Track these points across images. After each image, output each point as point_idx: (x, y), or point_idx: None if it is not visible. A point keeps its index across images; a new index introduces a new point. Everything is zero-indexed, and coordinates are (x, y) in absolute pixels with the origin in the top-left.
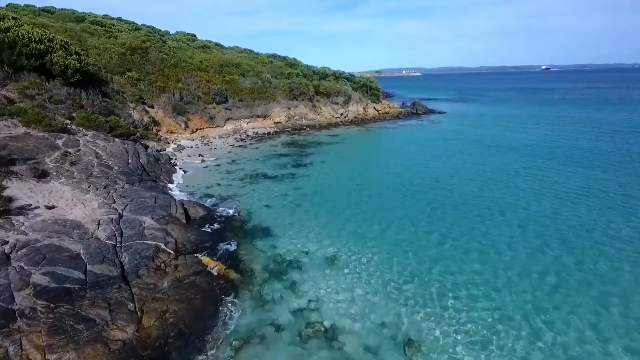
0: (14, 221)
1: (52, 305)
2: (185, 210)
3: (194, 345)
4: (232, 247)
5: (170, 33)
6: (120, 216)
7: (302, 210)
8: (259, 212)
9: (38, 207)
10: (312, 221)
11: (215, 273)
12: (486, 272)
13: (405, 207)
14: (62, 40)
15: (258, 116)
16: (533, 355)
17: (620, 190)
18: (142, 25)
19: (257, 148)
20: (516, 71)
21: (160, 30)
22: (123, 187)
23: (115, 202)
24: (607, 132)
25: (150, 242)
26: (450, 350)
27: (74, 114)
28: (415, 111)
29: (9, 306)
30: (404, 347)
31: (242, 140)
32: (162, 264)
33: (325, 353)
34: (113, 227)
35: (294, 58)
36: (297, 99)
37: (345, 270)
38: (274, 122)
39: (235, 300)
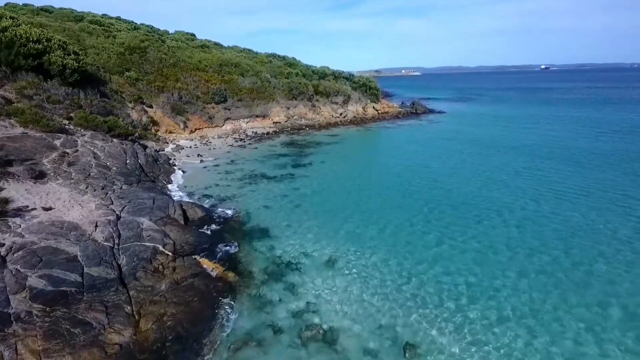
0: (10, 223)
1: (48, 308)
2: (184, 211)
3: (191, 349)
4: (231, 249)
5: (169, 32)
6: (118, 217)
7: (301, 210)
8: (257, 212)
9: (35, 209)
10: (311, 222)
11: (213, 275)
12: (485, 272)
13: (404, 207)
14: (60, 40)
15: (257, 116)
16: (531, 356)
17: (619, 191)
18: (141, 24)
19: (256, 148)
20: (516, 70)
21: (159, 29)
22: (121, 188)
23: (113, 203)
24: (607, 132)
25: (148, 244)
26: (450, 352)
27: (72, 114)
28: (414, 111)
29: (5, 310)
30: (404, 349)
31: (241, 140)
32: (160, 266)
33: (324, 356)
34: (111, 229)
35: (293, 57)
36: (296, 99)
37: (344, 272)
38: (273, 122)
39: (234, 303)
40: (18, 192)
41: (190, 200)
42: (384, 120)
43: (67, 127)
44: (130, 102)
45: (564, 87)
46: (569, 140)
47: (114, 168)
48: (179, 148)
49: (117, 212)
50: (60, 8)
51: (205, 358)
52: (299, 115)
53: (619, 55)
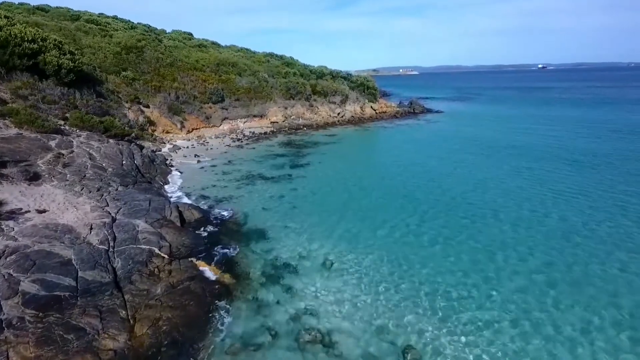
0: (3, 226)
1: (41, 314)
2: (180, 213)
3: (187, 354)
4: (228, 251)
5: (167, 32)
6: (114, 220)
7: (299, 212)
8: (255, 214)
9: (29, 211)
10: (308, 223)
11: (210, 278)
12: (482, 273)
13: (402, 208)
14: (55, 40)
15: (255, 116)
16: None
17: (617, 191)
18: (138, 23)
19: (253, 148)
20: (513, 70)
21: (156, 29)
22: (117, 189)
23: (108, 205)
24: (605, 132)
25: (143, 247)
26: (450, 354)
27: (67, 115)
28: (412, 110)
29: None
30: (404, 353)
31: (238, 140)
32: (156, 269)
33: None
34: (106, 232)
35: (290, 57)
36: (294, 99)
37: (342, 274)
38: (271, 122)
39: (231, 306)
40: (12, 194)
41: (187, 202)
42: (381, 120)
43: (62, 127)
44: (127, 102)
45: (561, 87)
46: (567, 140)
47: (110, 169)
48: (175, 148)
49: (113, 214)
50: (57, 7)
51: None
52: (297, 115)
53: (616, 54)
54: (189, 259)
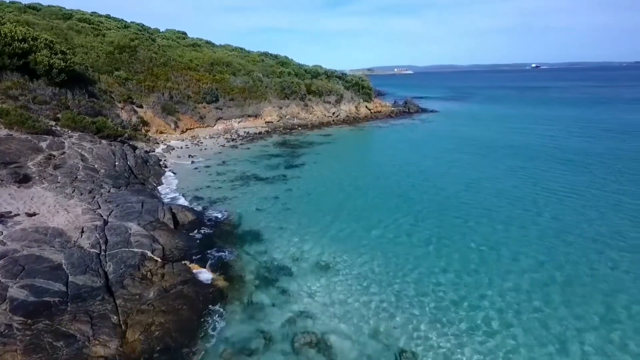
0: None
1: (29, 321)
2: (174, 214)
3: None
4: (222, 254)
5: (160, 31)
6: (105, 222)
7: (294, 213)
8: (249, 215)
9: (18, 215)
10: (303, 224)
11: (203, 281)
12: (483, 274)
13: (396, 208)
14: (46, 39)
15: (249, 116)
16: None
17: (610, 191)
18: (131, 22)
19: (248, 148)
20: (507, 69)
21: (149, 28)
22: (109, 191)
23: (100, 208)
24: (598, 131)
25: (136, 250)
26: (443, 356)
27: (59, 115)
28: (407, 110)
29: None
30: (399, 356)
31: (233, 140)
32: (149, 273)
33: None
34: (97, 235)
35: (285, 56)
36: (288, 98)
37: (338, 276)
38: (266, 122)
39: (225, 310)
40: (1, 197)
41: (181, 203)
42: (376, 120)
43: (53, 128)
44: (120, 102)
45: (556, 86)
46: (562, 140)
47: (102, 170)
48: (169, 149)
49: (105, 217)
50: (49, 5)
51: None
52: (292, 115)
53: (608, 54)
54: (183, 262)
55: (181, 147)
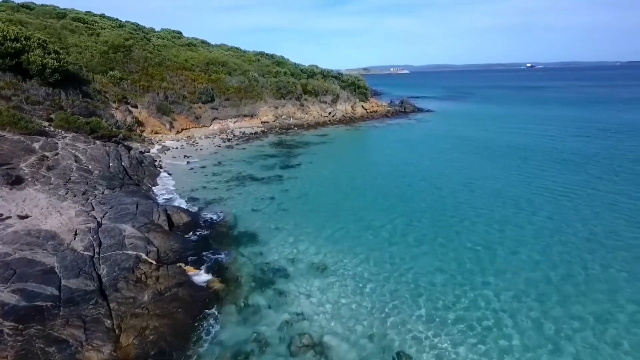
0: None
1: (21, 326)
2: (168, 216)
3: None
4: (217, 255)
5: (156, 30)
6: (99, 225)
7: (290, 214)
8: (245, 216)
9: (10, 217)
10: (299, 226)
11: (199, 284)
12: (479, 274)
13: (392, 208)
14: (39, 39)
15: (245, 115)
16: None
17: (604, 191)
18: (126, 22)
19: (244, 149)
20: (503, 69)
21: (144, 27)
22: (103, 192)
23: (94, 210)
24: (593, 131)
25: (130, 252)
26: (442, 357)
27: (52, 116)
28: (403, 110)
29: None
30: (396, 357)
31: (228, 140)
32: (143, 276)
33: None
34: (91, 237)
35: (281, 56)
36: (284, 98)
37: (334, 278)
38: (262, 122)
39: (220, 313)
40: None
41: (176, 205)
42: (372, 120)
43: (47, 129)
44: (114, 102)
45: (552, 86)
46: (558, 140)
47: (96, 172)
48: (164, 149)
49: (99, 219)
50: (42, 5)
51: None
52: (288, 115)
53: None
54: (178, 264)
55: (176, 148)
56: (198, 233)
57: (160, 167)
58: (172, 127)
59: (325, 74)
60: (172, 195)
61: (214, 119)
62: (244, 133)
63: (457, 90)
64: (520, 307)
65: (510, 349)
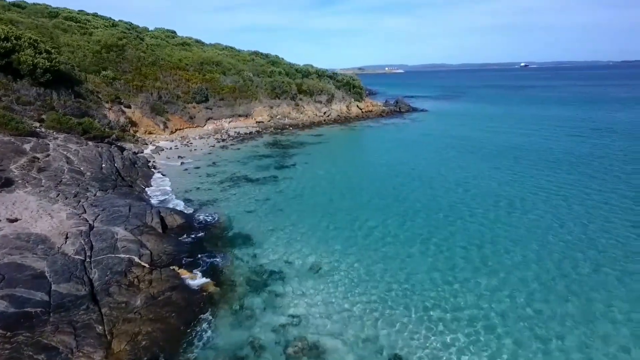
0: None
1: (9, 333)
2: (162, 218)
3: None
4: (211, 258)
5: (149, 29)
6: (91, 227)
7: (285, 215)
8: (239, 218)
9: None
10: (294, 227)
11: (192, 287)
12: (470, 274)
13: (387, 208)
14: (30, 38)
15: (240, 115)
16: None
17: (596, 190)
18: (119, 21)
19: (238, 149)
20: (497, 68)
21: (138, 26)
22: (95, 194)
23: (85, 212)
24: (586, 131)
25: (122, 256)
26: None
27: (43, 116)
28: (398, 109)
29: None
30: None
31: (223, 140)
32: (136, 280)
33: None
34: (82, 241)
35: (276, 55)
36: (279, 98)
37: (329, 280)
38: (256, 122)
39: (214, 317)
40: None
41: (169, 206)
42: (367, 119)
43: (38, 129)
44: (107, 102)
45: (546, 85)
46: (552, 139)
47: (88, 173)
48: (158, 149)
49: (90, 222)
50: (34, 3)
51: None
52: (283, 115)
53: (596, 53)
54: (171, 268)
55: (170, 148)
56: (192, 235)
57: (154, 168)
58: (165, 127)
59: (320, 74)
60: (166, 197)
61: (208, 119)
62: (238, 133)
63: (451, 89)
64: (513, 306)
65: (502, 348)
